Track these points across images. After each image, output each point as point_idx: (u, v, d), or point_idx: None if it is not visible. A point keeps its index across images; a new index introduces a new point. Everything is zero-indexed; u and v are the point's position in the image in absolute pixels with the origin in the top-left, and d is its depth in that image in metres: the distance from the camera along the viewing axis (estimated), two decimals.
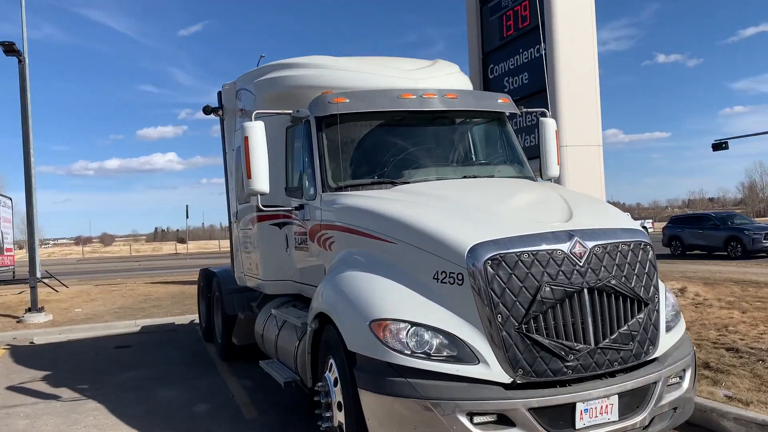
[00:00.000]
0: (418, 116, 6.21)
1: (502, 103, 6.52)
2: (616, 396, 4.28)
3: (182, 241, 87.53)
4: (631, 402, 4.38)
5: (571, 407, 4.17)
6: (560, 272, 4.32)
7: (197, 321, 12.65)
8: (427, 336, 4.28)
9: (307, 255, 6.26)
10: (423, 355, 4.24)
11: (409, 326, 4.33)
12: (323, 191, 5.86)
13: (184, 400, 7.58)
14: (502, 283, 4.24)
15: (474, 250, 4.30)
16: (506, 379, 4.18)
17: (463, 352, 4.22)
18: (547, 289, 4.25)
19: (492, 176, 6.14)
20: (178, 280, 25.66)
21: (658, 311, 4.65)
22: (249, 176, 5.87)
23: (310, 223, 6.07)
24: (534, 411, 4.11)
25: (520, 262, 4.28)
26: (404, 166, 5.99)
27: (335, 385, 4.95)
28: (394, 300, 4.52)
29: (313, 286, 6.28)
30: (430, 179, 5.87)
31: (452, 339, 4.25)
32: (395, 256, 4.81)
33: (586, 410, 4.19)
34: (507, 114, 6.72)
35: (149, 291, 21.19)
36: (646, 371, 4.47)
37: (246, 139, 5.90)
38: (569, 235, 4.46)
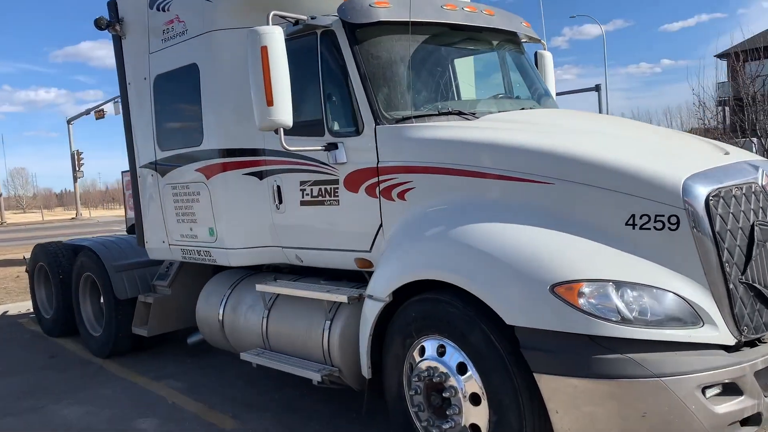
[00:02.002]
0: (459, 34, 5.05)
1: (526, 27, 5.62)
2: None
3: None
4: None
5: None
6: (760, 209, 3.67)
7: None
8: (639, 296, 3.32)
9: (331, 210, 4.77)
10: (641, 322, 3.27)
11: (613, 286, 3.33)
12: (377, 124, 4.44)
13: (109, 418, 5.57)
14: (725, 224, 3.45)
15: (689, 185, 3.41)
16: (731, 340, 3.42)
17: (685, 313, 3.35)
18: (759, 228, 3.56)
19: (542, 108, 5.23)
20: None
21: None
22: (270, 102, 4.24)
23: (349, 167, 4.59)
24: (757, 374, 3.43)
25: (734, 198, 3.53)
26: (459, 95, 4.82)
27: (462, 372, 3.74)
28: (579, 255, 3.45)
29: (327, 250, 4.86)
30: (495, 111, 4.78)
31: (670, 298, 3.35)
32: (552, 200, 3.70)
33: None
34: None
35: None
36: None
37: (264, 50, 4.24)
38: (754, 167, 3.82)
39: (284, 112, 4.28)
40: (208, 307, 5.93)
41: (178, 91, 5.80)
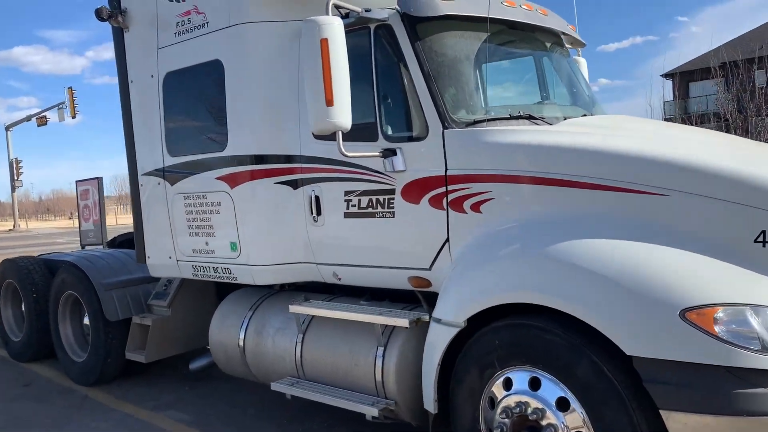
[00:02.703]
0: (517, 33, 4.68)
1: (572, 30, 5.31)
2: None
3: None
4: None
5: None
6: None
7: None
8: None
9: (383, 223, 4.29)
10: None
11: (751, 310, 2.97)
12: (445, 127, 4.00)
13: None
14: None
15: None
16: None
17: None
18: None
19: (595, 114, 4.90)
20: None
21: None
22: (330, 102, 3.76)
23: (409, 176, 4.13)
24: None
25: None
26: (524, 98, 4.44)
27: (563, 408, 3.32)
28: (710, 275, 3.09)
29: (375, 267, 4.39)
30: (564, 117, 4.42)
31: None
32: (667, 214, 3.32)
33: None
34: None
35: None
36: None
37: (324, 43, 3.76)
38: None
39: (345, 113, 3.81)
40: (225, 331, 5.34)
41: (195, 91, 5.23)
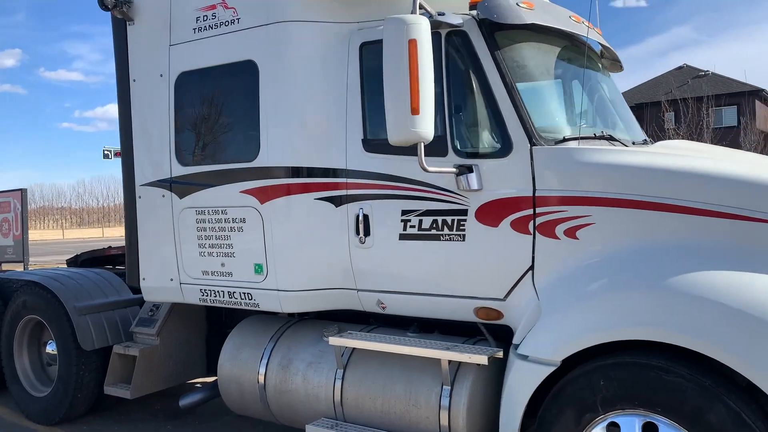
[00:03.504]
0: (579, 50, 4.43)
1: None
2: None
3: None
4: None
5: None
6: None
7: None
8: None
9: (451, 247, 3.87)
10: None
11: None
12: (532, 144, 3.65)
13: None
14: None
15: None
16: None
17: None
18: None
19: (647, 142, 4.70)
20: None
21: None
22: (416, 110, 3.36)
23: (486, 195, 3.74)
24: None
25: None
26: (588, 118, 4.17)
27: None
28: None
29: (433, 296, 3.98)
30: (632, 141, 4.19)
31: None
32: None
33: None
34: None
35: None
36: None
37: (412, 44, 3.37)
38: None
39: (430, 123, 3.41)
40: (239, 365, 4.72)
41: (219, 94, 4.67)
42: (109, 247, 7.54)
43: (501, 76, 3.74)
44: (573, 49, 4.35)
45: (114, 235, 57.89)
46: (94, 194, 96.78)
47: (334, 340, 4.17)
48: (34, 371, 6.32)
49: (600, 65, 4.73)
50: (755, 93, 39.87)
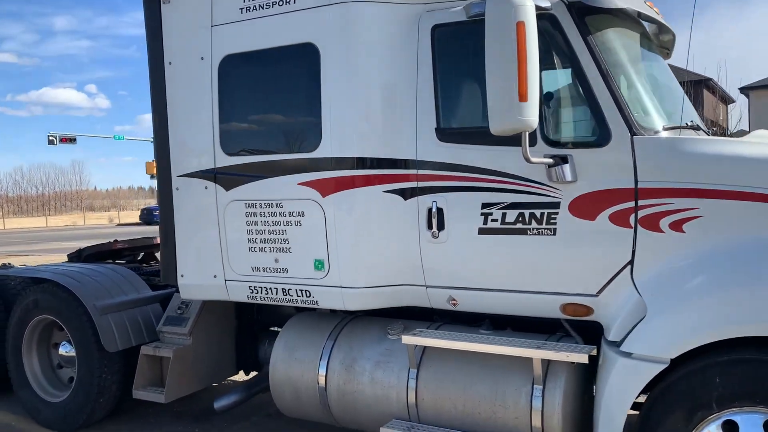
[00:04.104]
0: (654, 37, 4.33)
1: None
2: None
3: None
4: None
5: None
6: None
7: None
8: None
9: (539, 242, 3.72)
10: None
11: None
12: (632, 134, 3.52)
13: None
14: None
15: None
16: None
17: None
18: None
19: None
20: None
21: None
22: (524, 96, 3.18)
23: (581, 187, 3.59)
24: None
25: None
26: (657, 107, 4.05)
27: None
28: None
29: (515, 292, 3.85)
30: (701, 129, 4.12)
31: None
32: None
33: None
34: None
35: None
36: None
37: (521, 27, 3.18)
38: None
39: (536, 110, 3.24)
40: (295, 366, 4.48)
41: (272, 79, 4.39)
42: (115, 240, 7.12)
43: (595, 63, 3.59)
44: (649, 36, 4.24)
45: (58, 224, 55.86)
46: (33, 182, 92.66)
47: (408, 339, 3.98)
48: (45, 375, 5.93)
49: (668, 52, 4.63)
50: (702, 82, 40.92)
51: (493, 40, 3.24)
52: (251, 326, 5.63)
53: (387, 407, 4.11)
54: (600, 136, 3.58)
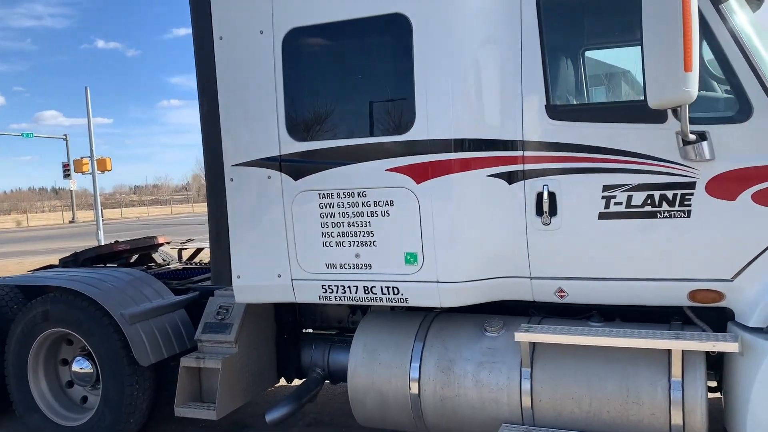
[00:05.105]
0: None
1: None
2: None
3: None
4: None
5: None
6: None
7: None
8: None
9: (669, 225, 3.47)
10: None
11: None
12: None
13: None
14: None
15: None
16: None
17: None
18: None
19: None
20: None
21: None
22: (689, 67, 2.93)
23: (720, 166, 3.36)
24: None
25: None
26: None
27: None
28: None
29: (637, 280, 3.61)
30: None
31: None
32: None
33: None
34: None
35: None
36: None
37: None
38: None
39: (697, 81, 2.98)
40: (380, 371, 4.06)
41: (351, 54, 3.98)
42: (116, 241, 6.43)
43: (731, 33, 3.37)
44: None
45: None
46: None
47: (523, 336, 3.65)
48: (54, 396, 5.25)
49: None
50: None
51: (654, 6, 2.96)
52: (293, 330, 5.16)
53: (495, 411, 3.77)
54: (740, 111, 3.36)
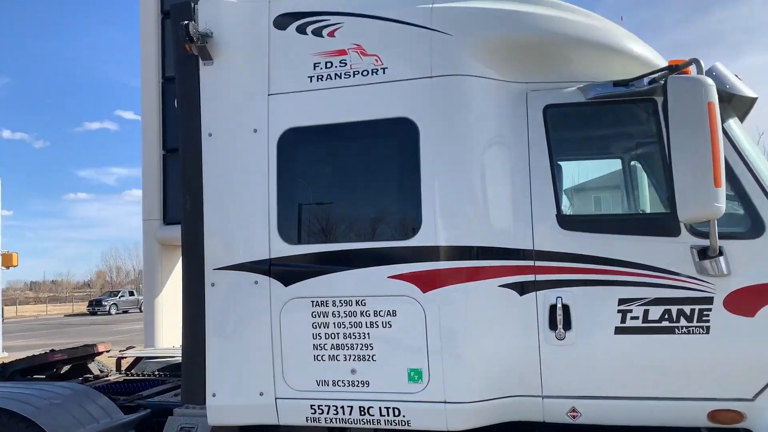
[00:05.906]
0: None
1: None
2: None
3: None
4: None
5: None
6: None
7: None
8: None
9: (688, 341, 3.36)
10: None
11: None
12: None
13: None
14: None
15: None
16: None
17: None
18: None
19: None
20: None
21: None
22: (719, 182, 2.95)
23: (737, 281, 3.32)
24: None
25: None
26: None
27: None
28: None
29: (653, 399, 3.47)
30: None
31: None
32: None
33: None
34: None
35: None
36: None
37: (711, 108, 2.99)
38: None
39: (725, 196, 2.99)
40: None
41: (353, 157, 3.82)
42: (51, 350, 5.73)
43: (736, 150, 3.45)
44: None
45: None
46: None
47: None
48: None
49: None
50: None
51: (681, 121, 2.99)
52: None
53: None
54: (753, 227, 3.39)
